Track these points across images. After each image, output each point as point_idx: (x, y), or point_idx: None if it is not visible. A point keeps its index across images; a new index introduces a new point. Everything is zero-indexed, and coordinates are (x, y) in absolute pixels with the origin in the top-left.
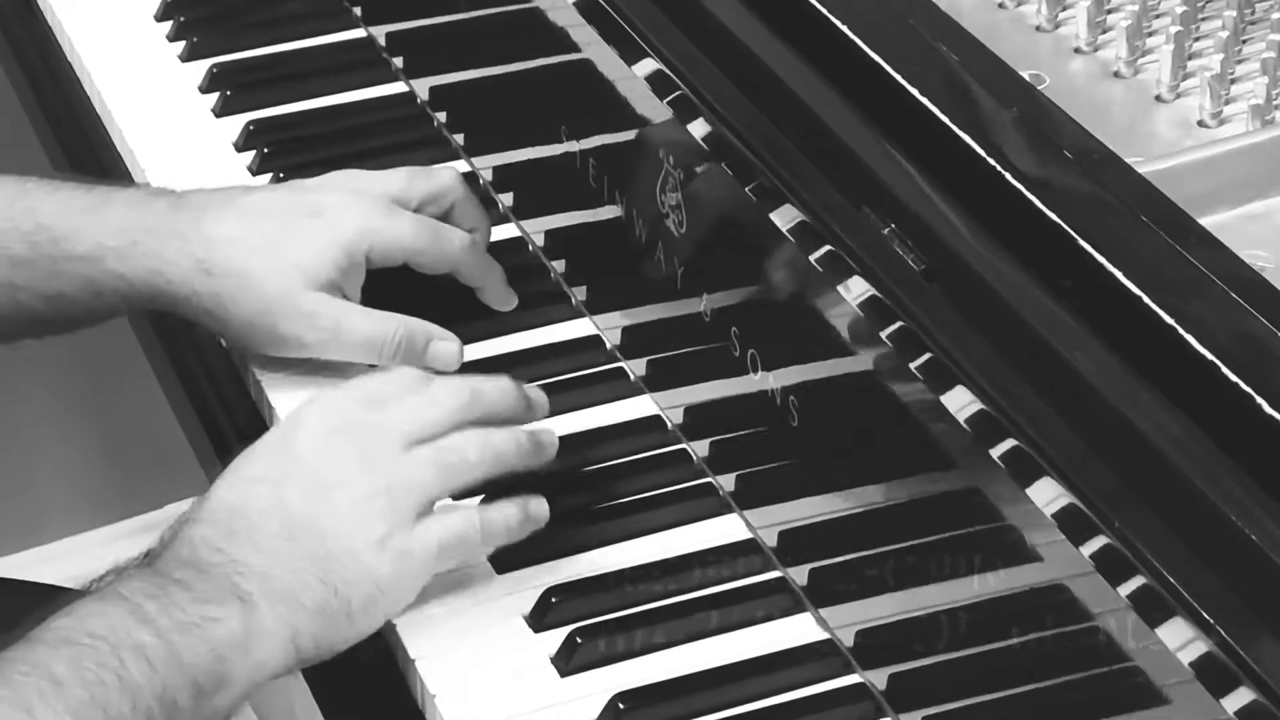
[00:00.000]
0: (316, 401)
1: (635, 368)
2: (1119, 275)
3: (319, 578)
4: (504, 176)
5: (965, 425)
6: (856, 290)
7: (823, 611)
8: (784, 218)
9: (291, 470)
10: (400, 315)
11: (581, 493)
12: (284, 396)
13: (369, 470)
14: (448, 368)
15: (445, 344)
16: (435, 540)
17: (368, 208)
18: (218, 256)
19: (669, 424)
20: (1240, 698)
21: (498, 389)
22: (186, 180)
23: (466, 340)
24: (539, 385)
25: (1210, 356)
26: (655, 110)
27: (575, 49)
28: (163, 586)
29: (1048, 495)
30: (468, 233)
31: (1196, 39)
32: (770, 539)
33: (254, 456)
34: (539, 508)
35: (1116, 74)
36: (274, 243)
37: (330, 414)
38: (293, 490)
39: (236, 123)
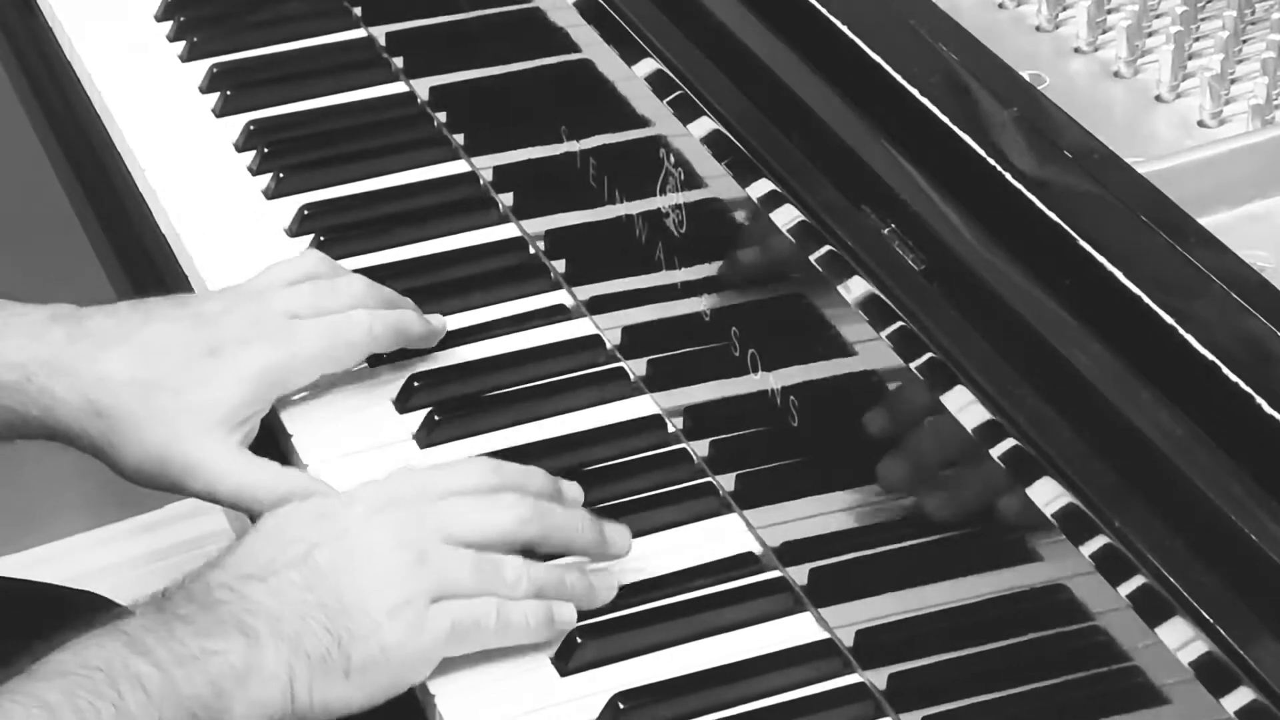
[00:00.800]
0: (378, 482)
1: (635, 368)
2: (1119, 275)
3: (325, 625)
4: (504, 176)
5: (965, 425)
6: (856, 290)
7: (822, 611)
8: (784, 218)
9: (329, 534)
10: (282, 470)
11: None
12: (285, 397)
13: (403, 545)
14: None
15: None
16: (449, 621)
17: (267, 337)
18: (108, 399)
19: (669, 424)
20: (1240, 697)
21: (566, 514)
22: (186, 179)
23: (466, 340)
24: (539, 385)
25: (1210, 356)
26: (655, 110)
27: (575, 49)
28: (165, 622)
29: (1048, 495)
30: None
31: (1196, 39)
32: (770, 538)
33: (296, 517)
34: (566, 615)
35: (1117, 74)
36: (170, 386)
37: (382, 494)
38: (324, 550)
39: (237, 123)
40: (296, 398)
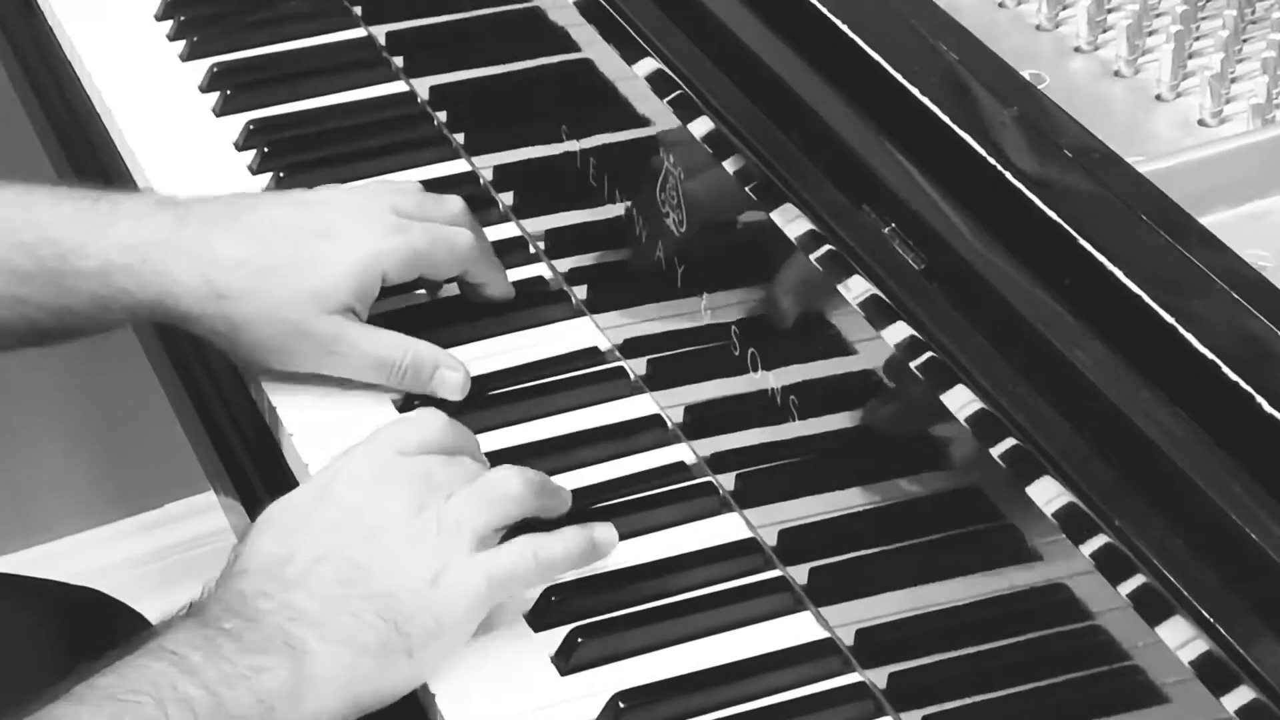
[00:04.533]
0: (351, 454)
1: (635, 367)
2: (1119, 274)
3: (379, 615)
4: (504, 176)
5: (965, 424)
6: (856, 289)
7: (822, 610)
8: (784, 217)
9: (338, 516)
10: (410, 339)
11: (581, 492)
12: (285, 397)
13: (416, 512)
14: (452, 395)
15: (451, 372)
16: (484, 575)
17: (377, 227)
18: (228, 278)
19: (669, 423)
20: (1240, 696)
21: (526, 474)
22: (187, 180)
23: (466, 340)
24: (539, 385)
25: (1210, 355)
26: (655, 110)
27: (575, 48)
28: (210, 638)
29: (1048, 494)
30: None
31: (1197, 38)
32: (770, 538)
33: (291, 508)
34: (607, 535)
35: (1117, 73)
36: (286, 266)
37: (370, 462)
38: (342, 536)
39: (237, 122)
40: (296, 397)
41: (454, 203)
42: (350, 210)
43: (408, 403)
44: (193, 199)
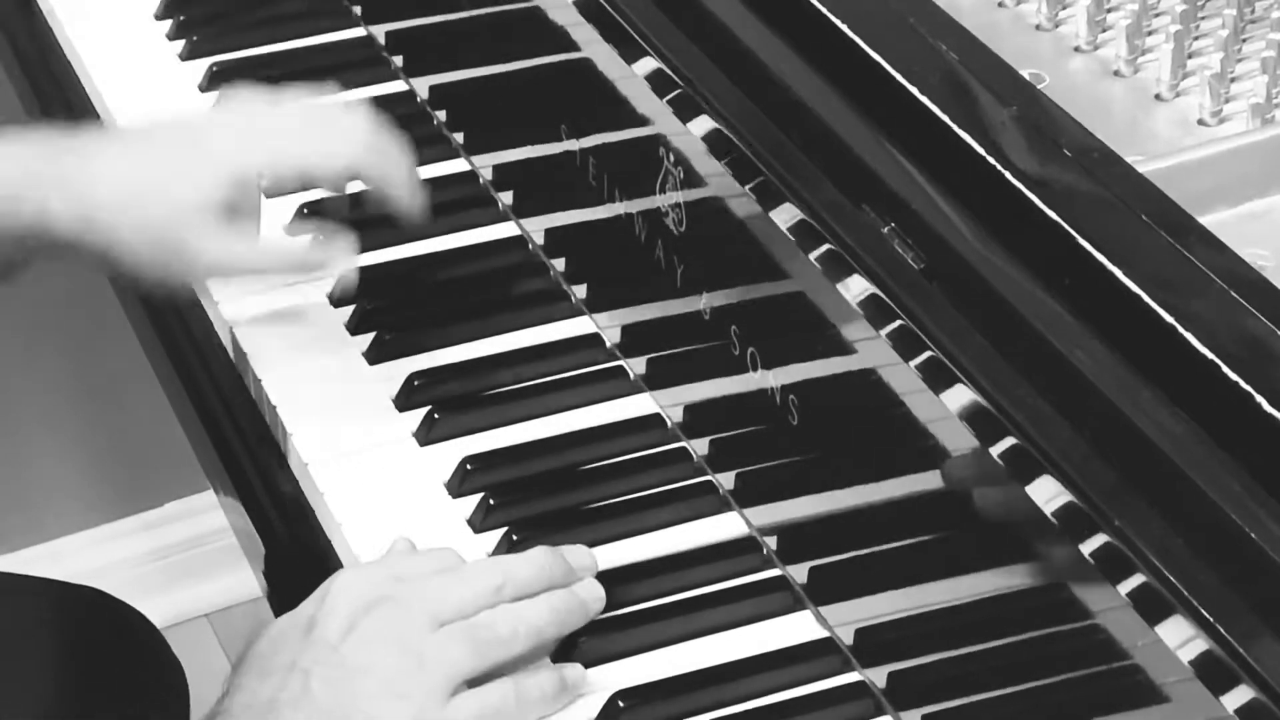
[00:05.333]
0: (342, 579)
1: (635, 366)
2: (1119, 274)
3: None
4: (504, 175)
5: (965, 424)
6: (856, 289)
7: (822, 609)
8: (784, 217)
9: (319, 657)
10: (283, 237)
11: (581, 491)
12: (285, 396)
13: (397, 651)
14: (350, 261)
15: (342, 254)
16: (469, 717)
17: (246, 129)
18: (100, 202)
19: (669, 422)
20: (1240, 696)
21: (530, 564)
22: None
23: (466, 340)
24: (538, 384)
25: (1210, 355)
26: (655, 110)
27: (575, 48)
28: None
29: (1047, 494)
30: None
31: (1196, 38)
32: (769, 537)
33: (282, 640)
34: (576, 676)
35: (1116, 73)
36: (157, 184)
37: (357, 594)
38: (319, 679)
39: None
40: (297, 397)
41: (357, 107)
42: (225, 121)
43: (406, 399)
44: (76, 133)
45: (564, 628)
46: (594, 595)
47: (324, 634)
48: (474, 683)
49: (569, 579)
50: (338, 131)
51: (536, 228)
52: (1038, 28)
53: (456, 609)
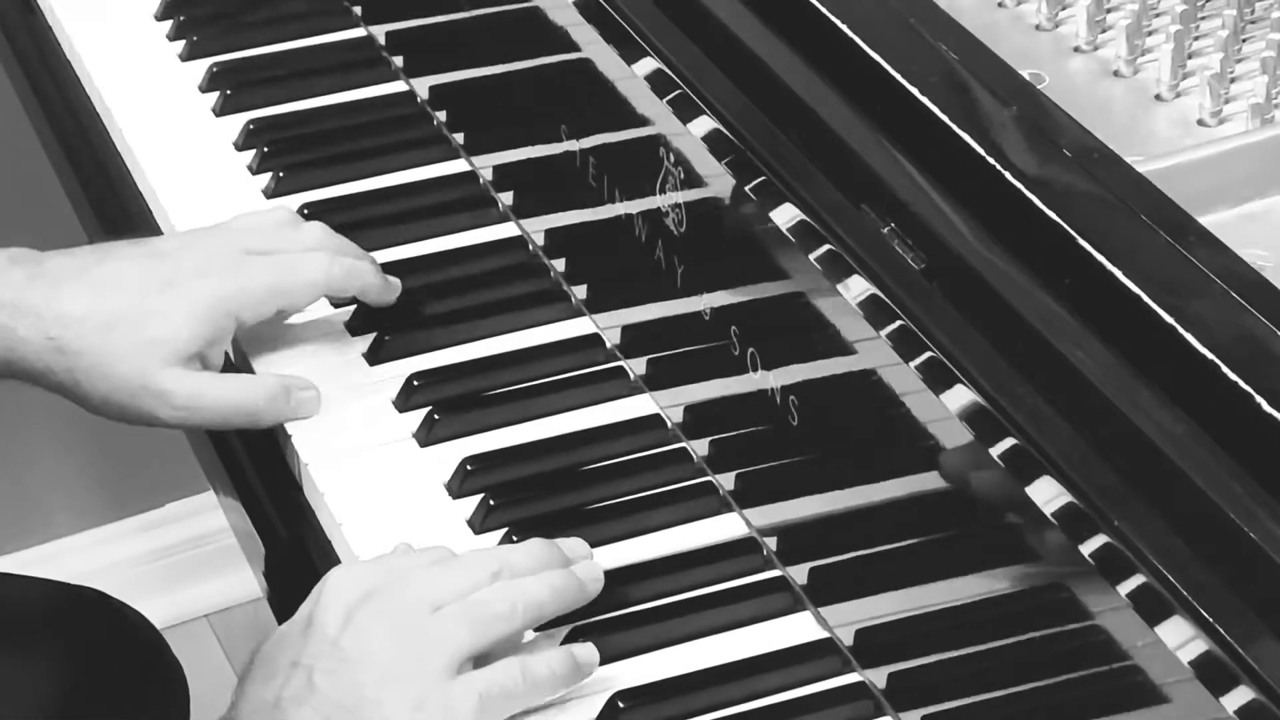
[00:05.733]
0: (335, 574)
1: (635, 367)
2: (1119, 274)
3: None
4: (504, 176)
5: (965, 424)
6: (856, 289)
7: (822, 610)
8: (784, 217)
9: (319, 652)
10: (255, 377)
11: (581, 492)
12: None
13: (396, 639)
14: (312, 412)
15: (305, 392)
16: (475, 694)
17: (219, 271)
18: (69, 336)
19: (669, 423)
20: (1240, 696)
21: (527, 553)
22: (187, 178)
23: (467, 340)
24: (538, 384)
25: (1210, 355)
26: (655, 110)
27: (575, 48)
28: None
29: (1047, 494)
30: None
31: (1196, 38)
32: (769, 538)
33: (283, 642)
34: (589, 656)
35: (1116, 73)
36: (128, 320)
37: (352, 587)
38: (321, 673)
39: (236, 122)
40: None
41: (310, 231)
42: (196, 257)
43: (406, 400)
44: (50, 253)
45: (563, 605)
46: (592, 576)
47: (322, 630)
48: (480, 663)
49: (565, 565)
50: (299, 272)
51: (536, 228)
52: (1038, 28)
53: (453, 593)
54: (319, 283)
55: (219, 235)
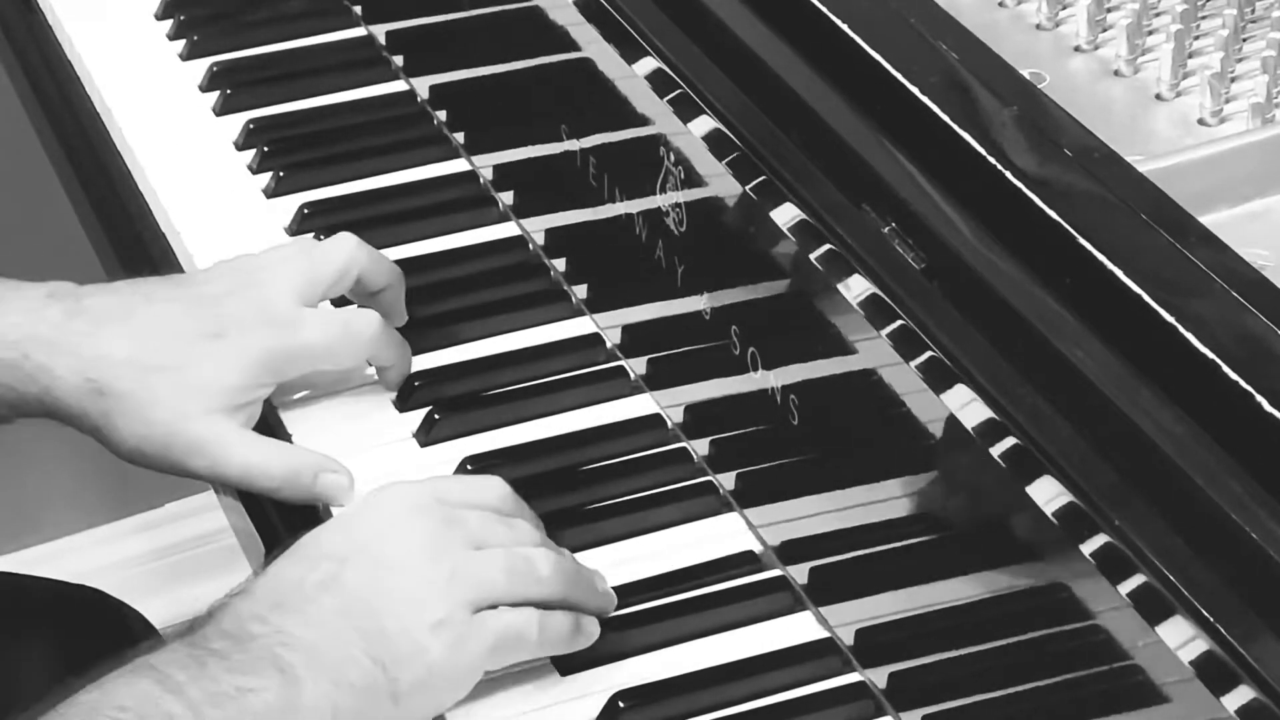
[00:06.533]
0: (390, 489)
1: (635, 367)
2: (1119, 273)
3: (368, 654)
4: (504, 175)
5: (965, 423)
6: (856, 289)
7: (822, 610)
8: (784, 216)
9: (355, 548)
10: (290, 448)
11: (581, 492)
12: (286, 396)
13: (435, 556)
14: (338, 499)
15: (334, 475)
16: (492, 634)
17: (270, 325)
18: (108, 378)
19: (669, 423)
20: (1240, 696)
21: (564, 563)
22: (187, 178)
23: (466, 340)
24: (538, 384)
25: (1210, 355)
26: (655, 110)
27: (575, 48)
28: (197, 657)
29: (1048, 494)
30: (376, 307)
31: (1197, 37)
32: (770, 537)
33: (319, 536)
34: (592, 628)
35: (1117, 72)
36: (171, 367)
37: (403, 501)
38: (353, 568)
39: (237, 121)
40: (297, 396)
41: (353, 259)
42: (246, 307)
43: (406, 399)
44: (88, 288)
45: (586, 597)
46: (608, 594)
47: (363, 531)
48: None
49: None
50: (352, 332)
51: (536, 228)
52: (1038, 27)
53: (498, 541)
54: (370, 343)
55: (270, 282)
